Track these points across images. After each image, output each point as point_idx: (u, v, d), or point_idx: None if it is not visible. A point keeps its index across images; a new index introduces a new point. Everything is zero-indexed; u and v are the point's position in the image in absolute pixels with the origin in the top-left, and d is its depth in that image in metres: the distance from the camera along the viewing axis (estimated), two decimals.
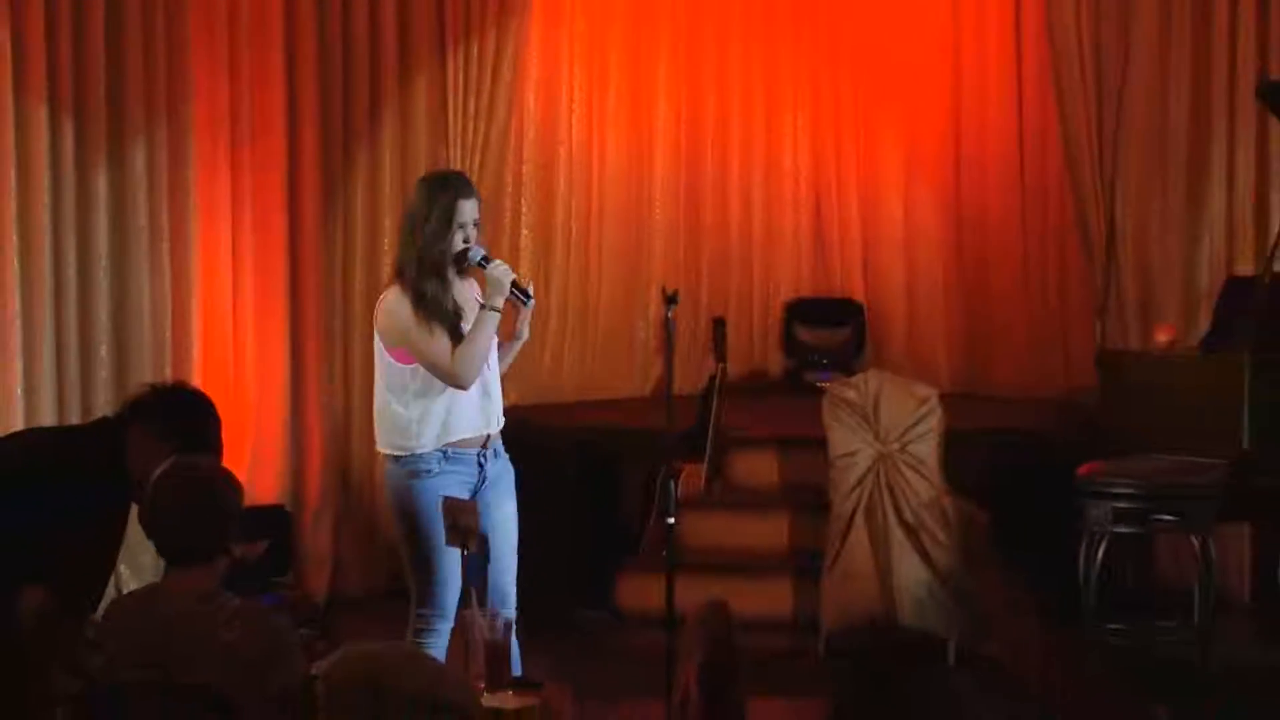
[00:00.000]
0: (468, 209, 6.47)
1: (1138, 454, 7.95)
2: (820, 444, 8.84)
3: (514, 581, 6.70)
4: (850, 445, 8.73)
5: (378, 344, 6.58)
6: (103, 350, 8.73)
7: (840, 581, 8.67)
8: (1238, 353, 7.63)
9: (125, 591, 6.67)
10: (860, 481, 8.74)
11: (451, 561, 6.47)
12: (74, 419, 8.26)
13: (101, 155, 8.71)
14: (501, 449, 6.69)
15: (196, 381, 8.57)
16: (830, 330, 11.55)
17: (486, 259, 6.47)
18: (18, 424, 8.15)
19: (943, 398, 9.03)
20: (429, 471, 6.49)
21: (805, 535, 9.13)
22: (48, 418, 8.35)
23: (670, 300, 7.10)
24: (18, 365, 8.39)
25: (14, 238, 8.37)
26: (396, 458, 6.57)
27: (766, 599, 8.84)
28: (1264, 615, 8.70)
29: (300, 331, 9.55)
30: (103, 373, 8.72)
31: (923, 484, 8.77)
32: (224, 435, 5.67)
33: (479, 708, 4.87)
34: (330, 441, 9.68)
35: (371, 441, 9.63)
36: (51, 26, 8.46)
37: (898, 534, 8.71)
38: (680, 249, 11.72)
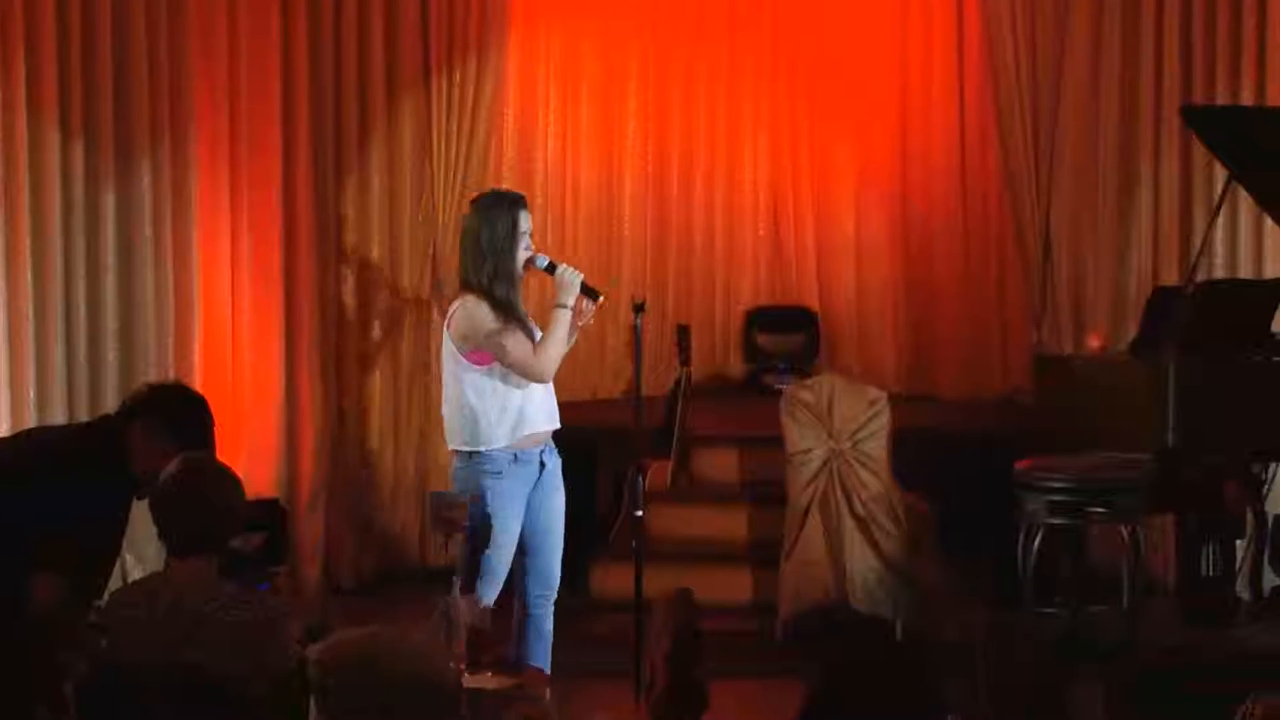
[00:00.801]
0: (525, 219, 6.64)
1: (1071, 450, 7.95)
2: (778, 442, 8.85)
3: (559, 565, 6.83)
4: (806, 443, 8.74)
5: (449, 347, 6.64)
6: (110, 355, 8.70)
7: (796, 569, 8.67)
8: (1163, 357, 7.63)
9: (130, 579, 6.65)
10: (815, 477, 8.74)
11: (506, 557, 6.61)
12: (83, 418, 8.22)
13: (110, 174, 8.68)
14: (552, 443, 6.78)
15: (197, 382, 8.59)
16: (787, 336, 11.53)
17: (553, 264, 6.62)
18: (30, 423, 8.12)
19: (891, 399, 9.05)
20: (499, 474, 6.58)
21: (764, 526, 9.12)
22: (58, 418, 8.32)
23: (638, 309, 7.10)
24: (30, 368, 8.36)
25: (28, 251, 8.33)
26: (469, 454, 6.62)
27: (728, 586, 8.84)
28: (1185, 599, 8.71)
29: (295, 335, 9.53)
30: (110, 375, 8.69)
31: (873, 479, 8.79)
32: (223, 432, 5.68)
33: (461, 689, 4.86)
34: (322, 438, 9.65)
35: (362, 436, 9.77)
36: (63, 55, 8.43)
37: (849, 525, 8.72)
38: (648, 261, 11.71)
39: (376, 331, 9.86)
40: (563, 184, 11.48)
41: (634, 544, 7.13)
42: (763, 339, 11.71)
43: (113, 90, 8.66)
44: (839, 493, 8.75)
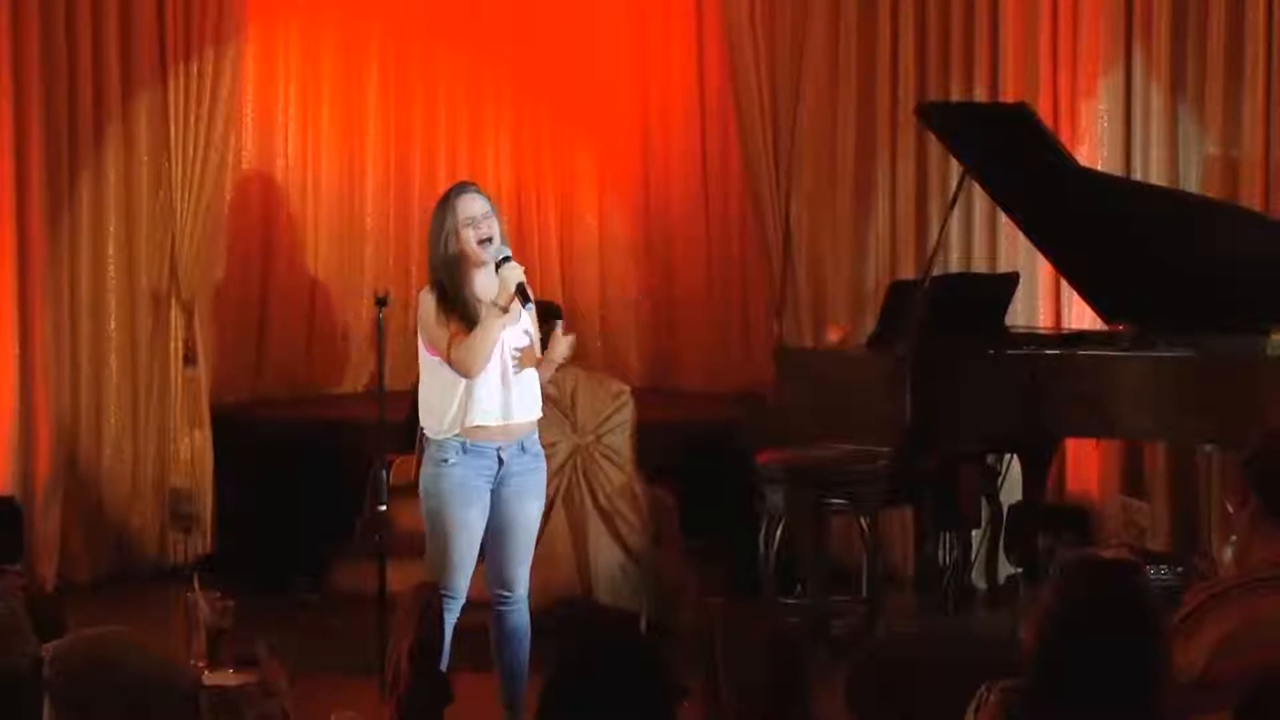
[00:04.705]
0: (464, 205, 6.48)
1: (812, 443, 8.05)
2: None
3: (522, 572, 6.77)
4: (550, 437, 8.73)
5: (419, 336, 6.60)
6: None
7: (541, 563, 8.65)
8: (900, 350, 7.75)
9: None
10: (559, 470, 8.76)
11: (464, 545, 6.56)
12: None
13: None
14: (532, 446, 6.69)
15: None
16: None
17: (505, 259, 6.44)
18: None
19: (634, 392, 9.10)
20: (446, 460, 6.51)
21: None
22: None
23: (380, 303, 7.08)
24: None
25: None
26: (425, 440, 6.61)
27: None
28: (923, 588, 8.88)
29: (29, 331, 9.35)
30: None
31: (617, 472, 8.83)
32: None
33: (201, 687, 4.81)
34: (59, 434, 9.49)
35: (99, 432, 9.63)
36: None
37: (594, 518, 8.76)
38: (391, 255, 11.65)
39: (113, 327, 9.71)
40: (304, 177, 11.41)
41: (377, 539, 7.10)
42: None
43: None
44: (584, 486, 8.78)
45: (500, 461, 6.57)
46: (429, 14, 11.73)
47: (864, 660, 7.34)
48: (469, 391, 6.49)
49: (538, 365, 6.60)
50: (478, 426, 6.50)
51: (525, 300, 6.45)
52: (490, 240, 6.46)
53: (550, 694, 3.49)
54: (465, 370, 6.44)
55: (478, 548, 6.64)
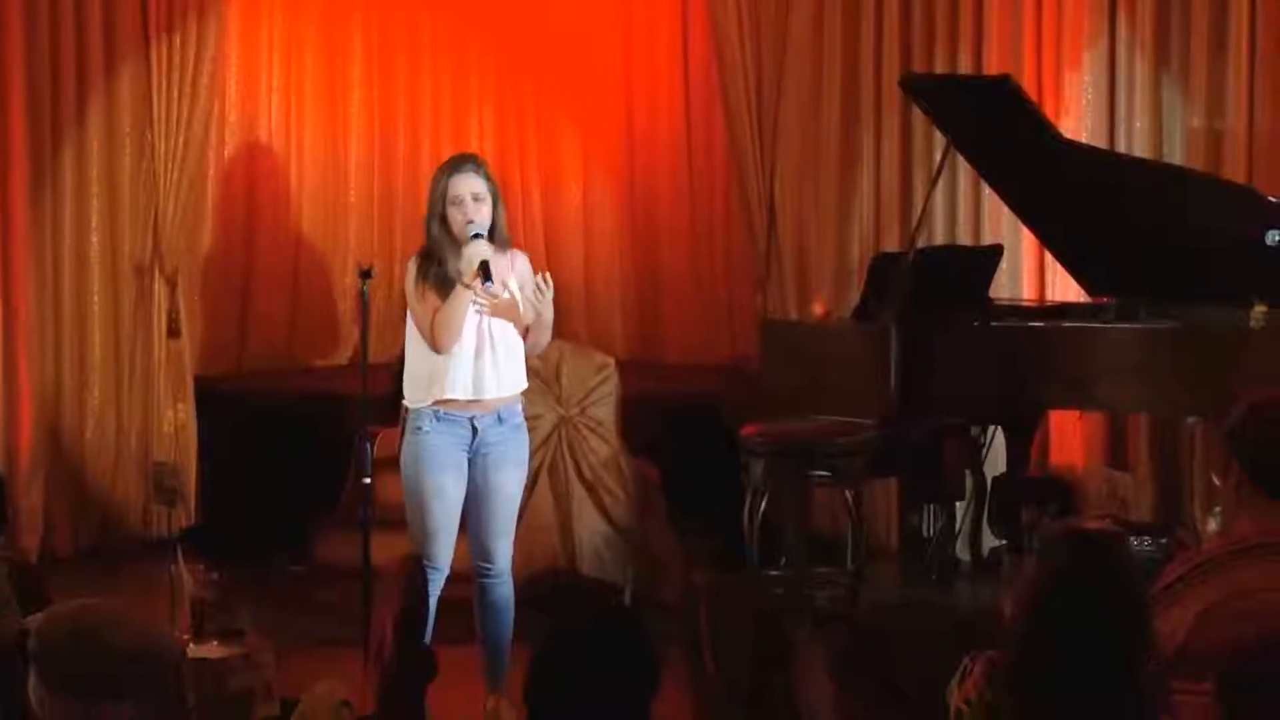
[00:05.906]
0: (456, 183, 6.51)
1: (796, 415, 8.05)
2: None
3: (503, 544, 6.78)
4: (534, 409, 8.75)
5: None
6: None
7: (525, 535, 8.65)
8: (885, 322, 7.75)
9: None
10: (544, 443, 8.76)
11: (441, 512, 6.59)
12: None
13: None
14: (511, 417, 6.70)
15: None
16: None
17: (477, 237, 6.45)
18: None
19: (619, 365, 9.10)
20: (421, 429, 6.55)
21: None
22: None
23: (365, 275, 7.06)
24: None
25: None
26: (406, 411, 6.64)
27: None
28: (907, 560, 8.90)
29: (12, 304, 9.33)
30: None
31: (601, 445, 8.83)
32: None
33: (185, 659, 4.81)
34: (41, 406, 9.47)
35: (83, 405, 9.65)
36: None
37: (578, 491, 8.76)
38: (375, 228, 11.63)
39: (97, 299, 9.70)
40: (287, 149, 11.36)
41: (362, 511, 7.11)
42: None
43: None
44: (568, 458, 8.78)
45: (475, 430, 6.59)
46: None
47: (848, 631, 7.39)
48: (443, 363, 6.52)
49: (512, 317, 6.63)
50: (449, 399, 6.53)
51: (487, 279, 6.45)
52: (474, 222, 6.48)
53: (536, 668, 3.48)
54: (434, 346, 6.49)
55: (457, 516, 6.66)
